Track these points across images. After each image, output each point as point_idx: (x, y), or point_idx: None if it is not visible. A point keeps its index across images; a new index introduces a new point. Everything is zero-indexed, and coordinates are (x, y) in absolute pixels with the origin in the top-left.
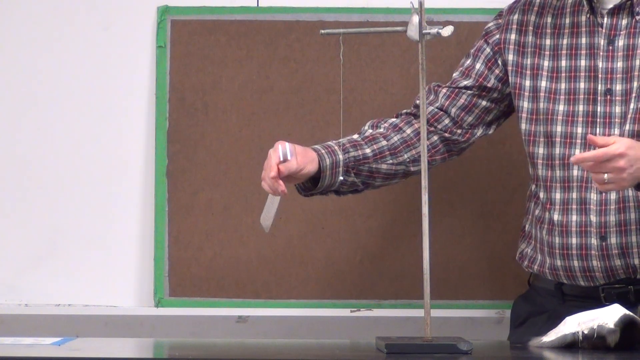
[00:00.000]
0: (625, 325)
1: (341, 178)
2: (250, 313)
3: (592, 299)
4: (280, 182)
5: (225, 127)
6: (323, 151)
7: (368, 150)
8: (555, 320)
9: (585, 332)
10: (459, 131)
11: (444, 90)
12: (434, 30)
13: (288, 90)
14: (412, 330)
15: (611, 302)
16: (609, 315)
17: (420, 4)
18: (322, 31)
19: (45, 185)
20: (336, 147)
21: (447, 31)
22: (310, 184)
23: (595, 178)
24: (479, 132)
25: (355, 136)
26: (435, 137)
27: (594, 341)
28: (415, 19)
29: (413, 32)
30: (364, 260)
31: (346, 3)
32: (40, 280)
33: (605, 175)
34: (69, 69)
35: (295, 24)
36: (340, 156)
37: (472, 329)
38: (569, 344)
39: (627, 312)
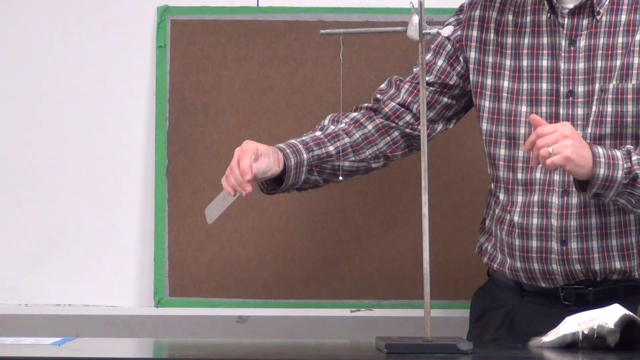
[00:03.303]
0: (625, 325)
1: (304, 177)
2: (250, 313)
3: (551, 297)
4: (249, 184)
5: (225, 127)
6: (288, 150)
7: (331, 148)
8: (513, 319)
9: (585, 332)
10: (418, 130)
11: (406, 86)
12: (434, 30)
13: (288, 90)
14: (412, 330)
15: (570, 301)
16: (609, 315)
17: (420, 4)
18: (322, 31)
19: (45, 185)
20: (300, 146)
21: (447, 31)
22: (273, 183)
23: (542, 154)
24: (439, 127)
25: (318, 133)
26: (396, 133)
27: (594, 341)
28: (415, 19)
29: (413, 32)
30: (364, 260)
31: (346, 3)
32: (40, 280)
33: (551, 149)
34: (69, 69)
35: (295, 24)
36: (305, 155)
37: None
38: (569, 344)
39: (627, 312)
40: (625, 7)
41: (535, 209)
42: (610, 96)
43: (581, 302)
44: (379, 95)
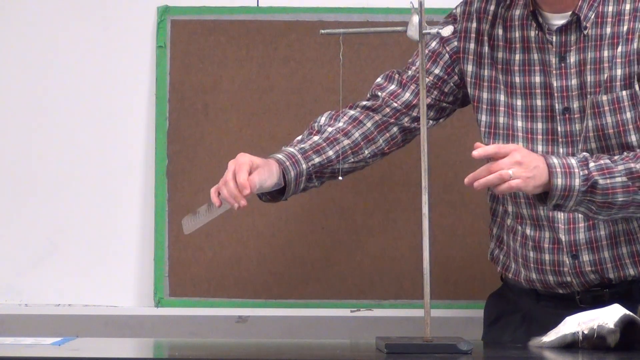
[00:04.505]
0: (625, 325)
1: (303, 186)
2: (250, 313)
3: (567, 301)
4: (245, 198)
5: (225, 127)
6: (287, 163)
7: (331, 153)
8: (530, 321)
9: (585, 332)
10: (416, 123)
11: (412, 87)
12: (434, 30)
13: (288, 90)
14: (412, 330)
15: (586, 303)
16: (609, 315)
17: (420, 4)
18: (322, 31)
19: (46, 185)
20: (299, 156)
21: (447, 31)
22: (272, 192)
23: (501, 176)
24: (431, 122)
25: (316, 138)
26: (395, 129)
27: (594, 341)
28: (415, 19)
29: (413, 32)
30: (364, 260)
31: (346, 3)
32: (40, 280)
33: (511, 171)
34: (69, 69)
35: (295, 24)
36: (304, 165)
37: (472, 329)
38: (569, 344)
39: (627, 312)
40: (609, 19)
41: (545, 223)
42: (589, 111)
43: (597, 302)
44: (378, 92)
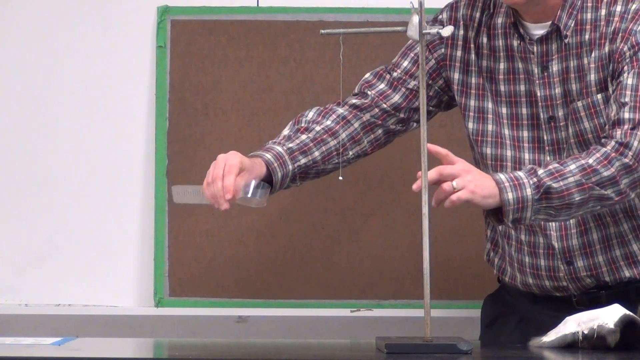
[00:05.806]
0: (625, 325)
1: (287, 185)
2: (250, 313)
3: (564, 303)
4: (228, 202)
5: (225, 127)
6: (275, 164)
7: (317, 154)
8: (527, 323)
9: (585, 332)
10: (400, 125)
11: (403, 89)
12: (434, 30)
13: (288, 90)
14: (412, 330)
15: (583, 305)
16: (609, 315)
17: (420, 4)
18: (322, 31)
19: (46, 185)
20: (287, 157)
21: (447, 31)
22: None
23: (445, 189)
24: (415, 125)
25: (304, 137)
26: (380, 131)
27: (594, 341)
28: (415, 19)
29: (413, 32)
30: (364, 260)
31: (346, 3)
32: (40, 280)
33: (454, 182)
34: (69, 69)
35: (295, 24)
36: (290, 167)
37: (472, 329)
38: (569, 344)
39: (627, 312)
40: (588, 26)
41: (538, 229)
42: (570, 117)
43: (594, 304)
44: (367, 91)
